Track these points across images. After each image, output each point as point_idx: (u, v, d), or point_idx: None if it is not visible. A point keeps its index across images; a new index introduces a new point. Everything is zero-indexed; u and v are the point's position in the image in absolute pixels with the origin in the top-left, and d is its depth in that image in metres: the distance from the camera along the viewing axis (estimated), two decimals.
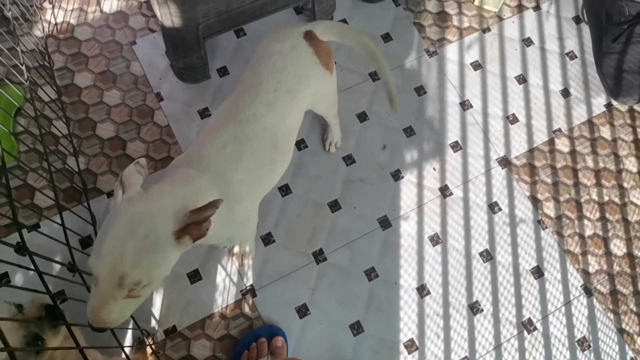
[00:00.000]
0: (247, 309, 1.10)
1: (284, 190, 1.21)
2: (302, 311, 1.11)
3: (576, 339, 1.14)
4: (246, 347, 1.04)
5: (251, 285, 1.12)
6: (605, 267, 1.20)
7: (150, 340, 1.04)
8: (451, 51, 1.40)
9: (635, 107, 1.38)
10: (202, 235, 0.68)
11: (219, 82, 1.31)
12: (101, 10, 1.36)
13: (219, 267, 1.13)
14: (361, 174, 1.24)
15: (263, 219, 1.18)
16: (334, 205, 1.21)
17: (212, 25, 1.17)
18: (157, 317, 1.08)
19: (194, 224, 0.67)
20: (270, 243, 1.16)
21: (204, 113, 1.28)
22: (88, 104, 1.26)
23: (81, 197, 1.15)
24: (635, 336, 1.15)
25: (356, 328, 1.11)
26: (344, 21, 1.41)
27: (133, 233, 0.63)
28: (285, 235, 1.18)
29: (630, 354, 1.13)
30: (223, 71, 1.33)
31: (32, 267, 0.61)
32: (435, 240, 1.20)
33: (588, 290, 1.18)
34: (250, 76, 0.89)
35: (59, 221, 0.86)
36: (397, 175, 1.25)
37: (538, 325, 1.14)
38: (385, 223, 1.20)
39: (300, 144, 1.26)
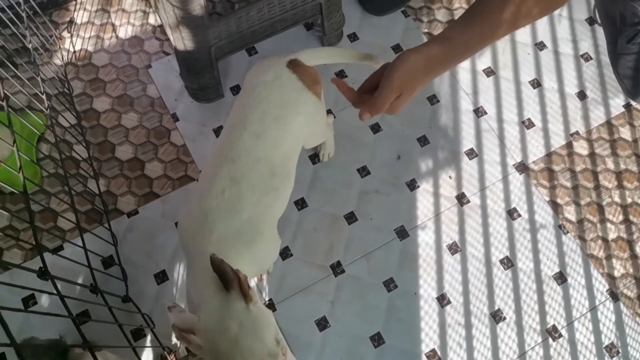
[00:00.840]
0: None
1: (300, 204, 1.22)
2: (322, 324, 1.11)
3: (604, 345, 1.11)
4: None
5: (270, 299, 1.13)
6: (631, 270, 1.17)
7: (172, 357, 1.05)
8: None
9: None
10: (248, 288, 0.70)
11: (232, 100, 1.34)
12: (117, 36, 1.41)
13: None
14: (376, 185, 1.25)
15: (280, 233, 1.18)
16: (350, 217, 1.21)
17: (224, 46, 1.20)
18: None
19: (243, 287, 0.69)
20: (288, 257, 1.17)
21: (219, 131, 1.30)
22: (107, 127, 1.30)
23: (102, 218, 1.18)
24: None
25: (377, 340, 1.10)
26: (354, 35, 1.42)
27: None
28: (302, 249, 1.18)
29: None
30: (236, 89, 1.35)
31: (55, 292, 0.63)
32: (454, 248, 1.19)
33: (614, 295, 1.15)
34: (237, 111, 0.90)
35: (81, 244, 0.89)
36: (412, 185, 1.25)
37: (563, 332, 1.12)
38: (402, 233, 1.20)
39: (314, 158, 1.27)
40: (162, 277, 1.15)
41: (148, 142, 1.29)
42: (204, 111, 1.32)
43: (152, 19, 1.43)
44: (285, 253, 1.17)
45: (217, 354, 0.67)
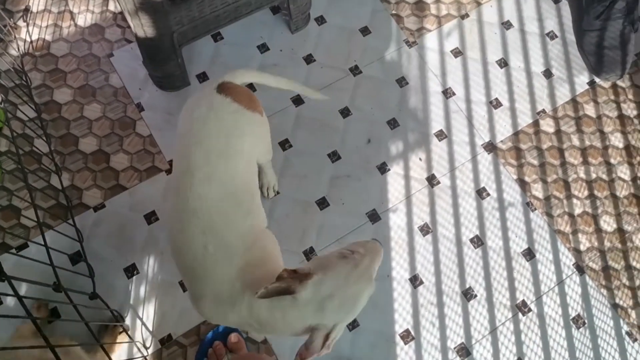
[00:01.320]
0: None
1: None
2: None
3: (571, 317, 1.14)
4: (204, 357, 1.04)
5: None
6: (596, 244, 1.21)
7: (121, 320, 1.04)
8: (431, 40, 1.39)
9: (619, 82, 1.38)
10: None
11: (199, 88, 1.31)
12: (76, 25, 1.36)
13: None
14: (347, 169, 1.24)
15: None
16: (322, 203, 1.21)
17: (187, 32, 1.17)
18: (150, 327, 1.08)
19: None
20: None
21: None
22: (69, 120, 1.26)
23: (67, 213, 1.15)
24: (629, 310, 1.15)
25: (351, 323, 1.11)
26: (321, 18, 1.40)
27: None
28: (275, 237, 1.17)
29: (625, 327, 1.14)
30: (203, 77, 1.32)
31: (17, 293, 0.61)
32: (425, 230, 1.20)
33: (580, 268, 1.18)
34: (180, 155, 0.83)
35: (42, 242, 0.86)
36: (383, 168, 1.25)
37: (532, 306, 1.14)
38: (374, 217, 1.20)
39: (285, 144, 1.26)
40: (132, 270, 1.13)
41: (113, 133, 1.26)
42: (170, 100, 1.29)
43: (112, 6, 1.38)
44: None
45: None
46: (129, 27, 1.36)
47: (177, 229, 0.79)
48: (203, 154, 0.80)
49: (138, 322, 1.09)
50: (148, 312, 1.10)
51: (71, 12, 1.37)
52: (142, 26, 1.10)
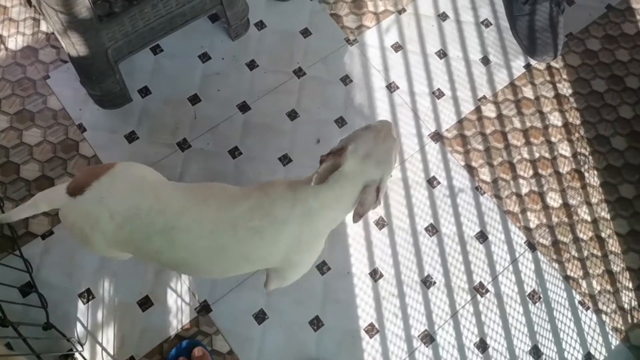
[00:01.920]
0: (204, 326, 1.09)
1: None
2: (260, 317, 1.11)
3: (527, 293, 1.18)
4: None
5: (204, 300, 1.11)
6: (544, 220, 1.25)
7: (79, 347, 1.01)
8: (371, 37, 1.42)
9: (553, 64, 1.43)
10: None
11: (142, 103, 1.29)
12: (7, 48, 1.31)
13: (169, 290, 1.11)
14: (300, 171, 1.25)
15: None
16: None
17: (122, 47, 1.15)
18: (111, 351, 1.05)
19: None
20: None
21: (131, 137, 1.25)
22: (7, 147, 1.22)
23: (14, 245, 1.11)
24: (580, 280, 1.20)
25: (316, 323, 1.11)
26: (261, 23, 1.40)
27: None
28: None
29: (577, 297, 1.18)
30: (145, 91, 1.30)
31: None
32: (380, 223, 1.21)
33: (532, 245, 1.22)
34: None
35: None
36: None
37: (489, 287, 1.18)
38: None
39: (234, 152, 1.26)
40: (87, 296, 1.10)
41: (55, 157, 1.22)
42: (113, 117, 1.27)
43: (44, 26, 1.35)
44: None
45: None
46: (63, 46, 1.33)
47: None
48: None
49: (98, 347, 1.06)
50: (108, 336, 1.07)
51: (1, 36, 1.33)
52: (73, 45, 1.08)
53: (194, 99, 1.30)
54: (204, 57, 1.35)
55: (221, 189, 0.89)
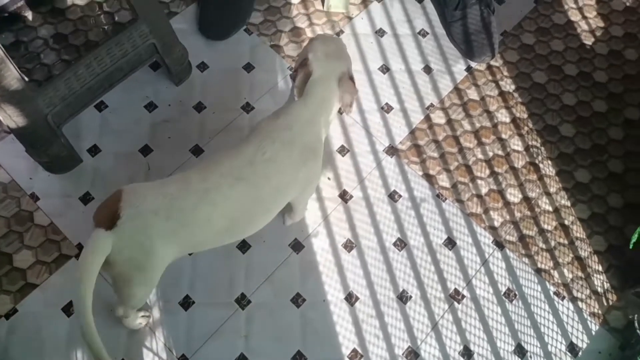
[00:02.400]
0: None
1: None
2: None
3: (502, 293, 1.19)
4: None
5: (182, 355, 1.09)
6: (508, 217, 1.27)
7: None
8: None
9: (492, 62, 1.47)
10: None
11: (93, 162, 1.27)
12: None
13: (144, 350, 1.09)
14: None
15: (176, 284, 1.15)
16: (243, 246, 1.20)
17: (61, 111, 1.13)
18: None
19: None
20: (191, 305, 1.13)
21: (86, 198, 1.23)
22: None
23: None
24: (551, 271, 1.22)
25: (298, 358, 1.10)
26: (203, 64, 1.41)
27: None
28: (203, 292, 1.15)
29: (552, 288, 1.20)
30: (94, 150, 1.29)
31: None
32: (349, 246, 1.21)
33: (499, 244, 1.24)
34: None
35: None
36: None
37: (465, 292, 1.18)
38: (297, 246, 1.20)
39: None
40: None
41: (10, 231, 1.19)
42: (65, 182, 1.25)
43: None
44: (186, 302, 1.14)
45: None
46: None
47: None
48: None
49: None
50: None
51: None
52: (10, 117, 1.06)
53: (145, 150, 1.29)
54: (150, 107, 1.34)
55: (224, 152, 0.96)
